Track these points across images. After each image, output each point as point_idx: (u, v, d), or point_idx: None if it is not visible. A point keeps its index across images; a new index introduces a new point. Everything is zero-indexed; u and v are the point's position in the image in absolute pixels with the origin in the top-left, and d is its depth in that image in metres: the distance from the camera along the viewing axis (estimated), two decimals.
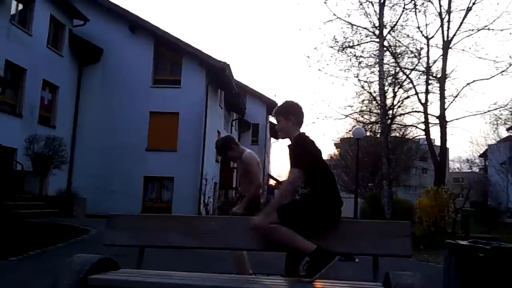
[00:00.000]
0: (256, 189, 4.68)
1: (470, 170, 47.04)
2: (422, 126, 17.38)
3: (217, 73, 19.34)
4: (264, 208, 3.59)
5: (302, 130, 3.32)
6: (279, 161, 75.37)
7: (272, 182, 40.95)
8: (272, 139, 39.83)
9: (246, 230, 3.19)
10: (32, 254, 7.03)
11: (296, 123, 3.26)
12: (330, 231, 3.05)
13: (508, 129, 29.77)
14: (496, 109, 17.17)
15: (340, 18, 16.85)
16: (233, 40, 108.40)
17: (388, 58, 17.36)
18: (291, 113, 3.26)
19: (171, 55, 19.73)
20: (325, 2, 17.99)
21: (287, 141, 3.30)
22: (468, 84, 16.58)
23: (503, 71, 15.89)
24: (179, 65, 19.49)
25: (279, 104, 3.43)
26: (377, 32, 16.49)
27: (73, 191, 17.02)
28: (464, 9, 16.23)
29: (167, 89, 19.22)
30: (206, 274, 3.65)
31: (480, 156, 41.23)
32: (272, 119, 35.70)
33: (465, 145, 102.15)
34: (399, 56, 17.91)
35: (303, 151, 3.12)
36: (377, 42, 16.59)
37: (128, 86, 18.86)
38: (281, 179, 39.12)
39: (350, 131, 21.26)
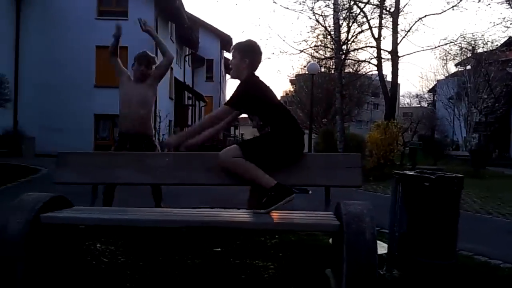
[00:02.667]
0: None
1: (419, 105, 48.78)
2: (375, 62, 17.56)
3: (167, 4, 18.44)
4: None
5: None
6: None
7: None
8: (228, 76, 39.33)
9: (201, 165, 3.19)
10: None
11: (249, 66, 3.19)
12: (290, 165, 3.10)
13: (456, 65, 30.75)
14: (446, 44, 17.52)
15: None
16: None
17: None
18: (249, 56, 3.18)
19: None
20: None
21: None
22: (420, 18, 16.69)
23: (454, 6, 16.04)
24: None
25: (241, 40, 3.32)
26: None
27: (20, 130, 16.35)
28: None
29: (113, 21, 18.13)
30: (162, 209, 3.68)
31: (429, 91, 42.62)
32: (227, 55, 35.03)
33: (415, 80, 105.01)
34: None
35: (251, 92, 3.09)
36: None
37: (71, 17, 17.69)
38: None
39: (305, 66, 21.24)
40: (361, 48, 19.43)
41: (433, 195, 3.10)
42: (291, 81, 36.67)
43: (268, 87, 3.20)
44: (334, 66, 19.39)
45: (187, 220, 2.79)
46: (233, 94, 3.13)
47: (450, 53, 20.28)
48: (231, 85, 43.51)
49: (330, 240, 3.56)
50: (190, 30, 24.58)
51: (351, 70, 26.11)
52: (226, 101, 3.14)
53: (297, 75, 30.72)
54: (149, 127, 4.13)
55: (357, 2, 17.40)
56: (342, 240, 2.40)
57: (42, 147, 15.38)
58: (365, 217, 2.48)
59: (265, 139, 3.09)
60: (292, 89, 38.88)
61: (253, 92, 3.11)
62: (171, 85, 22.67)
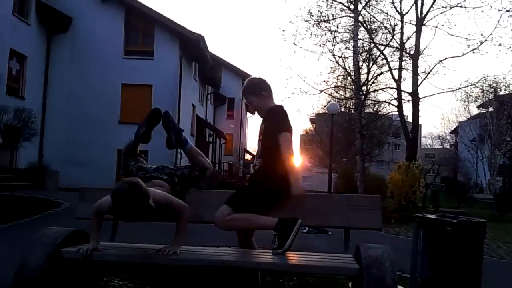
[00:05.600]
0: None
1: (441, 147, 48.21)
2: (395, 103, 17.56)
3: (191, 45, 19.00)
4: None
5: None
6: (255, 136, 75.24)
7: (248, 157, 41.08)
8: (248, 114, 39.76)
9: (216, 204, 3.20)
10: (4, 227, 6.88)
11: (269, 96, 3.27)
12: (294, 203, 3.05)
13: (478, 107, 30.54)
14: (467, 86, 17.44)
15: None
16: (208, 12, 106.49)
17: (362, 33, 17.29)
18: (261, 89, 3.25)
19: (142, 25, 19.24)
20: None
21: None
22: (440, 61, 16.73)
23: (475, 49, 16.04)
24: (151, 36, 19.05)
25: (243, 87, 3.34)
26: (352, 6, 16.34)
27: (45, 164, 16.69)
28: None
29: (139, 61, 18.82)
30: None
31: (451, 132, 42.19)
32: None
33: (436, 121, 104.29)
34: (374, 31, 17.87)
35: (285, 118, 3.12)
36: (352, 17, 16.47)
37: (98, 56, 18.38)
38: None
39: (325, 106, 21.38)
40: (381, 89, 19.53)
41: (456, 240, 3.03)
42: (311, 120, 36.83)
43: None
44: (354, 107, 19.44)
45: (208, 259, 2.78)
46: (281, 121, 3.08)
47: (471, 95, 20.29)
48: (251, 123, 43.74)
49: (350, 284, 3.48)
50: (213, 70, 25.14)
51: (371, 110, 26.14)
52: (279, 129, 3.04)
53: (317, 115, 30.86)
54: None
55: (377, 45, 17.62)
56: (362, 285, 2.36)
57: (65, 181, 15.64)
58: (385, 262, 2.44)
59: (246, 188, 3.18)
60: (312, 128, 38.99)
61: (286, 117, 3.14)
62: (193, 122, 23.01)
